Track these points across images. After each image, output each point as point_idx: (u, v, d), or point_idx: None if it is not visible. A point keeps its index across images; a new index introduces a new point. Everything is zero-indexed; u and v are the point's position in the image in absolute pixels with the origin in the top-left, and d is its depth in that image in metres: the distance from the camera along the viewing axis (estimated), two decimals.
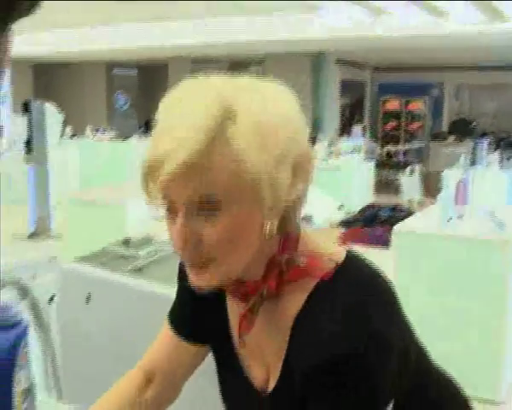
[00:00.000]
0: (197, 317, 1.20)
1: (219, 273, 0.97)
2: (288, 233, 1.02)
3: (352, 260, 1.04)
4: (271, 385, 1.07)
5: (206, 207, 0.91)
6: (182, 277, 1.23)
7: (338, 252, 1.05)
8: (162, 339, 1.25)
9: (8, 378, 1.14)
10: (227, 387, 1.20)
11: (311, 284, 1.00)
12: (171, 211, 0.95)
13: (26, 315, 2.48)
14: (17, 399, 1.15)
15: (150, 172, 0.92)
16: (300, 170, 0.97)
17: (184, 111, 0.91)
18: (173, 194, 0.92)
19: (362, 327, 0.93)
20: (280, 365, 1.04)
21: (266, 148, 0.91)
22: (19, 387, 1.16)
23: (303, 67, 14.11)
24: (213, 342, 1.21)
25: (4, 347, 1.14)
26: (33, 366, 2.37)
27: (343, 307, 0.95)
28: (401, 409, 1.03)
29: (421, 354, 1.13)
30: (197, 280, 0.99)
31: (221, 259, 0.95)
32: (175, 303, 1.27)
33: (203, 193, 0.91)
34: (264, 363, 1.09)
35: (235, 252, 0.95)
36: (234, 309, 1.11)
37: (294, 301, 1.01)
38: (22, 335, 1.17)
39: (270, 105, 0.94)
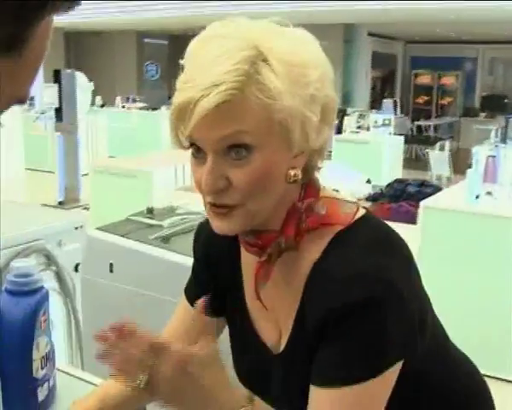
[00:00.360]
0: (212, 287, 1.19)
1: (243, 217, 0.97)
2: (310, 181, 1.02)
3: (370, 217, 1.04)
4: (283, 344, 1.07)
5: (236, 150, 0.92)
6: (197, 248, 1.24)
7: (357, 207, 1.04)
8: (179, 313, 1.26)
9: (28, 343, 1.17)
10: (240, 355, 1.20)
11: (329, 236, 0.99)
12: (199, 156, 0.95)
13: (51, 283, 2.52)
14: (37, 363, 1.18)
15: (181, 114, 0.91)
16: (327, 113, 0.97)
17: (216, 53, 0.90)
18: (203, 136, 0.92)
19: (378, 275, 0.93)
20: (293, 320, 1.04)
21: (298, 87, 0.91)
22: (39, 352, 1.18)
23: (335, 38, 13.96)
24: (228, 311, 1.21)
25: (26, 311, 1.17)
26: (57, 334, 2.41)
27: (360, 256, 0.95)
28: (415, 384, 1.03)
29: (436, 327, 1.12)
30: (221, 225, 0.98)
31: (247, 203, 0.95)
32: (191, 276, 1.27)
33: (234, 135, 0.91)
34: (276, 324, 1.09)
35: (260, 196, 0.95)
36: (249, 271, 1.11)
37: (312, 253, 1.00)
38: (43, 300, 1.20)
39: (300, 46, 0.95)
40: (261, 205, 0.97)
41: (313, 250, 1.00)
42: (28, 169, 8.48)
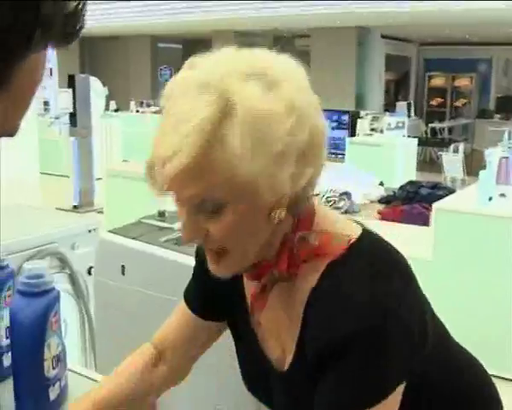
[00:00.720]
0: (212, 294, 1.19)
1: (233, 263, 0.98)
2: (301, 213, 1.00)
3: (366, 239, 1.02)
4: (288, 363, 1.06)
5: (208, 207, 0.91)
6: (198, 252, 1.24)
7: (353, 229, 1.03)
8: (176, 316, 1.26)
9: (40, 343, 1.18)
10: (244, 364, 1.21)
11: (323, 265, 0.98)
12: (179, 204, 0.95)
13: (65, 285, 2.54)
14: (48, 363, 1.20)
15: (152, 170, 0.92)
16: (309, 155, 0.93)
17: (183, 109, 0.88)
18: (175, 193, 0.92)
19: (374, 306, 0.92)
20: (295, 344, 1.04)
21: (264, 147, 0.87)
22: (50, 352, 1.20)
23: (348, 41, 13.95)
24: (230, 318, 1.21)
25: (37, 312, 1.18)
26: (71, 336, 2.43)
27: (355, 286, 0.94)
28: (416, 385, 1.02)
29: (437, 327, 1.12)
30: (214, 268, 1.00)
31: (232, 250, 0.96)
32: (191, 281, 1.27)
33: (201, 195, 0.90)
34: (280, 341, 1.09)
35: (244, 243, 0.96)
36: (250, 284, 1.12)
37: (308, 281, 0.99)
38: (54, 301, 1.21)
39: (275, 92, 0.89)
40: (246, 250, 0.98)
41: (309, 279, 1.00)
42: (43, 173, 8.53)
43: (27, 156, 6.85)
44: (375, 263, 0.98)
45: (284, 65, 0.95)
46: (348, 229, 1.03)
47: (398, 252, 1.03)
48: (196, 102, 0.87)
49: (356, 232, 1.02)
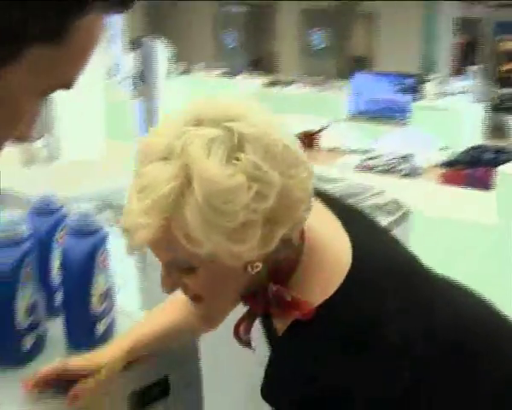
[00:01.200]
0: None
1: (212, 310, 1.02)
2: (279, 263, 0.96)
3: (342, 294, 0.95)
4: None
5: (181, 265, 0.93)
6: None
7: (338, 276, 0.95)
8: None
9: (88, 279, 1.23)
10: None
11: (291, 317, 0.97)
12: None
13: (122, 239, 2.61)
14: (96, 298, 1.25)
15: (126, 233, 0.91)
16: (278, 217, 0.88)
17: (149, 176, 0.88)
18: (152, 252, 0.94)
19: (324, 379, 0.92)
20: None
21: (220, 223, 0.85)
22: (98, 289, 1.25)
23: (414, 3, 13.61)
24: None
25: (85, 251, 1.23)
26: (130, 285, 2.49)
27: (311, 355, 0.93)
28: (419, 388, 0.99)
29: (442, 330, 1.03)
30: (194, 310, 1.04)
31: (208, 301, 0.98)
32: None
33: (170, 260, 0.93)
34: None
35: (220, 295, 0.99)
36: None
37: (279, 326, 1.01)
38: (102, 241, 1.25)
39: (237, 159, 0.86)
40: (223, 301, 1.00)
41: (282, 321, 1.00)
42: (108, 134, 8.71)
43: (93, 118, 7.01)
44: (335, 338, 0.93)
45: (255, 118, 0.89)
46: (332, 276, 0.96)
47: (384, 289, 0.98)
48: (159, 172, 0.87)
49: (338, 281, 0.95)
